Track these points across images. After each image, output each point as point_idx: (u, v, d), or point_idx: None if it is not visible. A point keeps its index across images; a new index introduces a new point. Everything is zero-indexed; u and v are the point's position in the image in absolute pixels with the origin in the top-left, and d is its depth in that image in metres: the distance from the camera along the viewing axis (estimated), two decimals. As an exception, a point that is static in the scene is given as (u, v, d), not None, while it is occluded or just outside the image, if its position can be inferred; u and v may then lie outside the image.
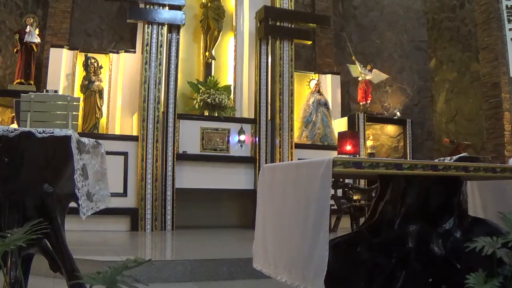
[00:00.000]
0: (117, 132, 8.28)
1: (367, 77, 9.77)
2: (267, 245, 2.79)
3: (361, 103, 9.84)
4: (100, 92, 8.35)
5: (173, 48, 8.00)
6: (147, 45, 7.81)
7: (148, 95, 7.69)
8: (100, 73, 8.42)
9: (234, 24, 9.14)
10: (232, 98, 8.77)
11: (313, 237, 2.22)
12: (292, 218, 2.48)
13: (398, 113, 10.05)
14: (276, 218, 2.73)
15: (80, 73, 8.38)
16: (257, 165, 8.18)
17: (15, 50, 8.26)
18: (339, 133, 8.65)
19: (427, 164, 2.38)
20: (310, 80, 9.74)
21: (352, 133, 8.76)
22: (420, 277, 2.46)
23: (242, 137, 8.25)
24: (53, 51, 8.28)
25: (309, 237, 2.25)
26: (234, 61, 9.04)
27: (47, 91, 7.25)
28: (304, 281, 2.26)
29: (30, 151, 2.43)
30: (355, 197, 7.34)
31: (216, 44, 8.86)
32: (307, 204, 2.31)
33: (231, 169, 8.14)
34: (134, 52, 8.49)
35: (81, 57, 8.40)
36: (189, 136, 7.98)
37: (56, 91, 7.48)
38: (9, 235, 1.96)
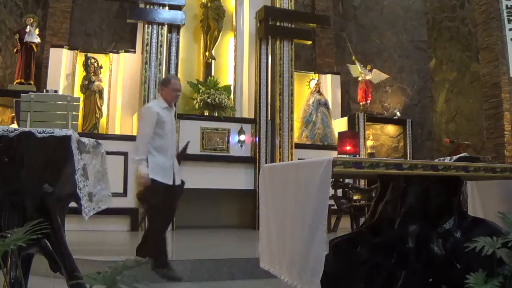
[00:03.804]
0: (117, 132, 8.27)
1: (367, 77, 9.77)
2: (271, 244, 2.79)
3: (361, 103, 9.83)
4: (100, 92, 8.35)
5: (173, 48, 8.00)
6: (147, 45, 7.81)
7: (148, 95, 7.69)
8: (100, 73, 8.41)
9: (234, 24, 9.14)
10: (232, 98, 8.76)
11: (310, 237, 2.22)
12: (291, 218, 2.48)
13: (398, 113, 10.04)
14: (277, 218, 2.73)
15: (80, 73, 8.37)
16: (257, 165, 8.17)
17: (15, 50, 8.25)
18: (339, 133, 8.65)
19: (427, 164, 2.38)
20: (310, 80, 9.73)
21: (352, 133, 8.75)
22: (420, 277, 2.45)
23: (242, 137, 8.25)
24: (53, 51, 8.27)
25: (306, 237, 2.25)
26: (234, 61, 9.04)
27: (47, 91, 7.25)
28: (301, 281, 2.26)
29: (30, 151, 2.42)
30: (355, 197, 7.32)
31: (216, 44, 8.86)
32: (306, 204, 2.31)
33: (231, 169, 8.14)
34: (134, 52, 8.48)
35: (81, 57, 8.40)
36: (189, 136, 7.93)
37: (56, 91, 7.48)
38: (9, 235, 1.96)
